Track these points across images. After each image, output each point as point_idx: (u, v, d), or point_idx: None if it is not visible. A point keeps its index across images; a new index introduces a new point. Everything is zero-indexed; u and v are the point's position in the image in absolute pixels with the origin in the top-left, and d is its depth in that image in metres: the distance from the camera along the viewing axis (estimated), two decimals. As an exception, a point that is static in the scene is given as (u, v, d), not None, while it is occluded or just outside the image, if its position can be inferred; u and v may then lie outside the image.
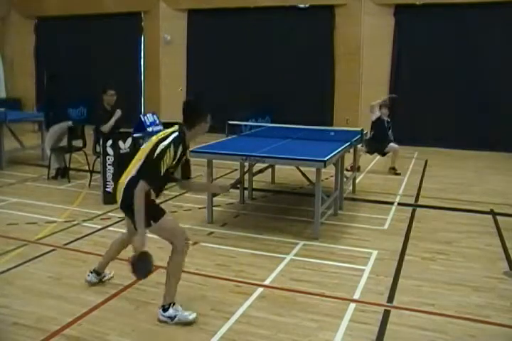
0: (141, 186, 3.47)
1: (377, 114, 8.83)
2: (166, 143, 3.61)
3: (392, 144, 8.86)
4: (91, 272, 4.24)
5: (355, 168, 8.01)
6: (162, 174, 3.54)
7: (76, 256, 4.87)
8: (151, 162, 3.57)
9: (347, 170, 8.52)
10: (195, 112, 3.78)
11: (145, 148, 3.73)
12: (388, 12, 12.19)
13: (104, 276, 4.32)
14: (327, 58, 12.76)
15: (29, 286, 4.19)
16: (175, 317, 3.62)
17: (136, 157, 3.76)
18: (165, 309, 3.65)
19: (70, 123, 8.32)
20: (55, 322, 3.59)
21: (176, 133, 3.70)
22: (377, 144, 8.80)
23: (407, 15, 12.06)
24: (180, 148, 3.65)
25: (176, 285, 3.72)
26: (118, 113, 7.28)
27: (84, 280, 4.22)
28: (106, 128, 7.12)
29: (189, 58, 14.19)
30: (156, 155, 3.56)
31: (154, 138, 3.75)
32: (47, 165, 8.19)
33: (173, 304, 3.68)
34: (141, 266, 3.63)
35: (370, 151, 8.93)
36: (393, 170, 8.94)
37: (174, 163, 3.62)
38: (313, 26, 12.76)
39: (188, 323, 3.61)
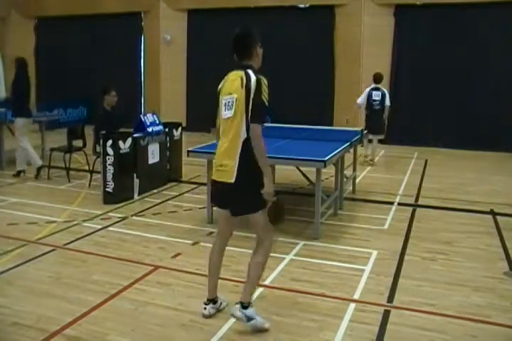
0: (257, 130, 3.38)
1: (367, 89, 9.75)
2: (253, 79, 3.44)
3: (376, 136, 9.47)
4: (206, 304, 3.69)
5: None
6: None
7: (76, 256, 4.87)
8: (257, 103, 3.43)
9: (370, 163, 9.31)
10: (249, 40, 3.63)
11: (230, 112, 3.47)
12: (388, 12, 12.19)
13: (221, 303, 3.78)
14: (327, 58, 12.76)
15: (29, 286, 4.19)
16: (252, 319, 3.46)
17: (225, 129, 3.53)
18: (245, 307, 3.46)
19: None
20: (55, 322, 3.59)
21: (248, 71, 3.50)
22: (370, 121, 9.43)
23: (407, 15, 12.06)
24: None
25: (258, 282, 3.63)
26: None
27: (202, 315, 3.66)
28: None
29: (189, 58, 14.20)
30: (254, 93, 3.42)
31: (236, 88, 3.47)
32: (47, 165, 8.20)
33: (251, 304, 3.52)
34: (279, 212, 3.68)
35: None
36: (370, 162, 9.55)
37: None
38: (313, 26, 12.76)
39: (262, 330, 3.47)
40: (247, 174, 3.40)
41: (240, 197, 3.44)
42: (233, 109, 3.47)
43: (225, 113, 3.54)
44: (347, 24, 12.45)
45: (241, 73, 3.50)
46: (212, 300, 3.73)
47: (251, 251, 4.97)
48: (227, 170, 3.46)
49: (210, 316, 3.67)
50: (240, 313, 3.48)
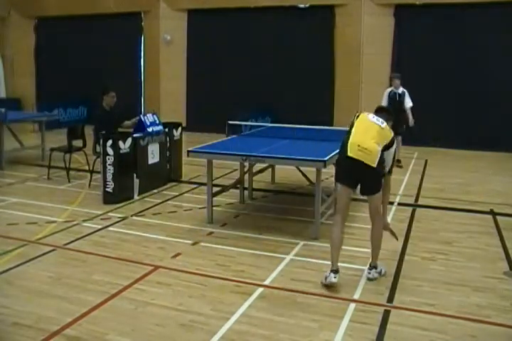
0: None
1: (388, 90, 9.55)
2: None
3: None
4: (333, 272, 4.20)
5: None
6: None
7: (76, 256, 4.87)
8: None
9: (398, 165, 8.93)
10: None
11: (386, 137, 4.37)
12: (388, 12, 12.18)
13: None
14: (327, 58, 12.75)
15: (29, 286, 4.19)
16: (381, 271, 4.45)
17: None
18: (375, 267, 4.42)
19: None
20: (55, 322, 3.59)
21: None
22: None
23: (407, 15, 12.04)
24: None
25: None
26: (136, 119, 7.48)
27: (331, 283, 4.17)
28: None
29: (189, 58, 14.19)
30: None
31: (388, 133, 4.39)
32: (47, 165, 8.20)
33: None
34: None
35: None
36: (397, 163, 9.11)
37: None
38: (313, 26, 12.75)
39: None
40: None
41: (374, 180, 4.34)
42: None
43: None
44: (347, 24, 12.43)
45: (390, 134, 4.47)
46: (336, 271, 4.24)
47: (251, 251, 5.02)
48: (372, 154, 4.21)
49: (335, 283, 4.19)
50: (375, 274, 4.41)
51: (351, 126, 4.39)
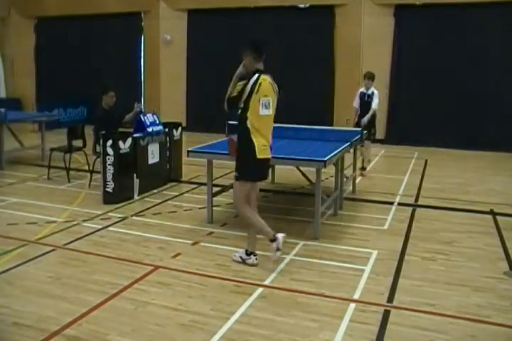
0: None
1: (359, 90, 8.90)
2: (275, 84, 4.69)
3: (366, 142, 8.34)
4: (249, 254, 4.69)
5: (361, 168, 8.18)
6: None
7: (76, 256, 4.87)
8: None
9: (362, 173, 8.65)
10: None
11: (272, 110, 4.55)
12: (388, 12, 12.19)
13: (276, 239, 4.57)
14: (327, 58, 12.76)
15: (29, 286, 4.19)
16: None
17: (270, 120, 4.60)
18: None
19: None
20: (55, 322, 3.59)
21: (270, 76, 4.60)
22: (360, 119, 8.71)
23: (407, 15, 12.05)
24: None
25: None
26: (137, 108, 7.50)
27: (250, 264, 4.66)
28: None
29: (189, 58, 14.19)
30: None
31: (271, 92, 4.54)
32: (47, 165, 8.20)
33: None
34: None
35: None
36: (361, 170, 8.74)
37: None
38: (313, 26, 12.75)
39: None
40: None
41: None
42: (270, 109, 4.51)
43: (263, 111, 4.47)
44: (347, 24, 12.44)
45: (271, 79, 4.54)
46: (271, 239, 4.58)
47: (251, 251, 5.02)
48: (269, 149, 4.58)
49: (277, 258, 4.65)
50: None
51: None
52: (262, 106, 4.41)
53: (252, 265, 4.66)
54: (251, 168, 4.53)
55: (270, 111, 4.50)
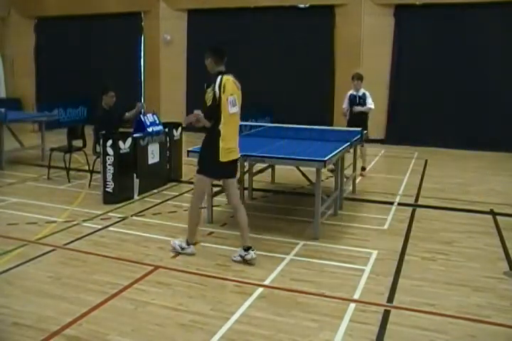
0: None
1: (349, 92, 8.62)
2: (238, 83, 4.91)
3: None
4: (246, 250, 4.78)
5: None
6: None
7: (76, 256, 4.87)
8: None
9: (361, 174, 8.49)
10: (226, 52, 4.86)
11: (237, 108, 4.79)
12: (388, 12, 12.19)
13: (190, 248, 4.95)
14: (327, 58, 12.75)
15: (29, 286, 4.19)
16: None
17: (236, 119, 4.82)
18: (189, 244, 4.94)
19: None
20: (55, 322, 3.59)
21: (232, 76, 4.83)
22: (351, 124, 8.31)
23: (407, 15, 12.05)
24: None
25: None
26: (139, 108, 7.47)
27: (250, 260, 4.74)
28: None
29: (189, 58, 14.19)
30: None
31: (236, 90, 4.81)
32: (47, 165, 8.20)
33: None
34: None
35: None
36: (362, 171, 8.56)
37: None
38: (313, 26, 12.75)
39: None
40: None
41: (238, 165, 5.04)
42: (237, 106, 4.75)
43: (232, 109, 4.69)
44: (347, 24, 12.44)
45: (233, 78, 4.78)
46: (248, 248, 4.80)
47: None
48: (237, 150, 4.84)
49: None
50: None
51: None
52: (230, 105, 4.65)
53: (252, 259, 4.69)
54: (212, 167, 4.77)
55: (237, 108, 4.75)
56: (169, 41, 14.11)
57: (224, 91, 4.60)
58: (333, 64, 12.77)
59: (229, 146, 4.69)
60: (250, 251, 4.72)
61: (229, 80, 4.68)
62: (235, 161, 4.86)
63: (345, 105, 8.65)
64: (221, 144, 4.64)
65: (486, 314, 3.79)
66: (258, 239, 5.41)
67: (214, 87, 4.59)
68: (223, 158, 4.67)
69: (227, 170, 4.84)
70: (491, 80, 11.41)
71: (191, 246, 4.93)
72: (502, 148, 11.20)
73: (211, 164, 4.74)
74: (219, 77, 4.64)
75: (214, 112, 4.61)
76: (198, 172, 4.86)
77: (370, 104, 8.42)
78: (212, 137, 4.67)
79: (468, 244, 5.35)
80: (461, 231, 5.80)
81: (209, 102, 4.59)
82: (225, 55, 4.79)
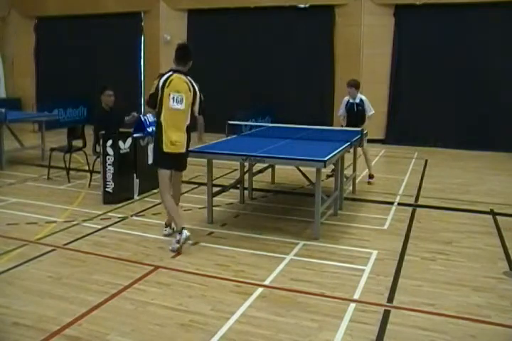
0: (202, 119, 5.47)
1: (345, 99, 8.22)
2: (197, 86, 5.16)
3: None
4: (166, 227, 5.49)
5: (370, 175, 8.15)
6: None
7: (76, 256, 4.87)
8: (201, 102, 5.19)
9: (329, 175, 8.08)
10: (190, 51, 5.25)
11: (182, 105, 5.04)
12: (388, 12, 12.19)
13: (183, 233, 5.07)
14: (327, 58, 12.75)
15: (29, 286, 4.19)
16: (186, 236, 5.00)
17: (179, 117, 5.05)
18: (180, 232, 4.99)
19: None
20: (55, 322, 3.59)
21: (189, 77, 5.12)
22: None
23: (407, 15, 12.05)
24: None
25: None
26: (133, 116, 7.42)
27: (163, 235, 5.43)
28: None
29: (189, 58, 14.18)
30: (200, 97, 5.16)
31: (186, 92, 5.05)
32: (47, 165, 8.20)
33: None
34: None
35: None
36: (370, 179, 8.13)
37: None
38: (313, 26, 12.76)
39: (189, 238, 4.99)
40: (186, 146, 5.21)
41: (185, 160, 5.34)
42: (183, 104, 5.03)
43: (174, 105, 5.01)
44: (347, 24, 12.44)
45: (186, 78, 5.08)
46: (170, 225, 5.47)
47: (251, 251, 5.03)
48: (181, 145, 5.10)
49: (168, 235, 5.40)
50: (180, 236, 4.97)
51: None
52: (173, 101, 4.98)
53: (188, 239, 4.92)
54: (159, 158, 5.15)
55: (183, 106, 5.02)
56: (169, 41, 14.10)
57: (167, 86, 4.96)
58: (333, 64, 12.77)
59: (171, 139, 4.99)
60: (184, 231, 4.92)
61: (179, 79, 5.02)
62: (180, 155, 5.15)
63: (341, 112, 8.24)
64: (163, 136, 4.99)
65: (486, 314, 3.79)
66: (258, 239, 5.41)
67: (160, 79, 5.01)
68: (166, 148, 5.01)
69: (173, 161, 5.15)
70: (491, 80, 11.41)
71: (184, 231, 4.92)
72: (502, 148, 11.20)
73: (157, 154, 5.15)
74: (168, 73, 5.04)
75: (153, 101, 5.03)
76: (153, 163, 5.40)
77: (369, 111, 8.06)
78: (157, 129, 5.11)
79: (468, 244, 5.35)
80: (461, 231, 5.80)
81: (153, 90, 5.03)
82: (184, 56, 5.12)
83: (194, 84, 5.13)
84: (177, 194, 5.49)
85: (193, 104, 5.14)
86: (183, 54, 5.13)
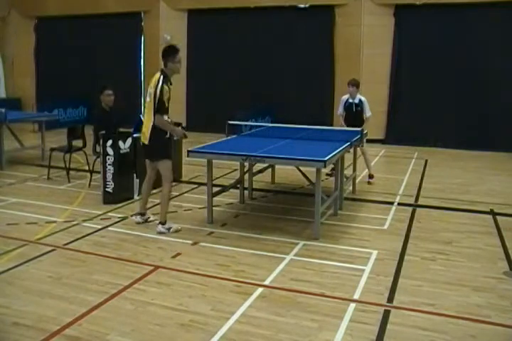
0: (159, 117, 5.33)
1: (343, 98, 8.22)
2: (159, 84, 5.29)
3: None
4: (136, 215, 5.89)
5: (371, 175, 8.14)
6: (167, 106, 5.37)
7: (76, 256, 4.87)
8: (159, 101, 5.28)
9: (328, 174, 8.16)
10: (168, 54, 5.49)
11: (149, 99, 5.39)
12: (388, 12, 12.19)
13: (149, 218, 5.87)
14: (327, 58, 12.75)
15: (29, 286, 4.19)
16: (170, 228, 5.54)
17: (147, 110, 5.42)
18: (162, 223, 5.54)
19: None
20: (55, 322, 3.59)
21: (162, 76, 5.36)
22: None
23: (407, 15, 12.05)
24: (169, 83, 5.40)
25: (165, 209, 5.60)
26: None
27: (134, 222, 5.81)
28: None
29: (189, 58, 14.18)
30: (159, 95, 5.27)
31: (152, 88, 5.35)
32: (47, 165, 8.20)
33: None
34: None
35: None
36: (369, 179, 8.11)
37: (169, 95, 5.38)
38: (313, 26, 12.76)
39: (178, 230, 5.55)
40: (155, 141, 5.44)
41: (153, 151, 5.53)
42: (149, 99, 5.39)
43: (146, 98, 5.49)
44: (347, 24, 12.44)
45: (158, 75, 5.39)
46: (141, 213, 5.87)
47: (251, 251, 5.03)
48: (144, 135, 5.47)
49: (138, 222, 5.83)
50: (161, 228, 5.51)
51: None
52: (147, 94, 5.49)
53: (178, 228, 5.57)
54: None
55: (148, 99, 5.44)
56: (169, 41, 14.07)
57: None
58: (333, 64, 12.77)
59: (142, 130, 5.51)
60: (170, 224, 5.52)
61: (153, 75, 5.45)
62: (145, 145, 5.54)
63: (340, 111, 8.23)
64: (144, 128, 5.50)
65: (486, 314, 3.79)
66: (258, 238, 5.41)
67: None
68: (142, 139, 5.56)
69: (144, 151, 5.69)
70: (491, 80, 11.42)
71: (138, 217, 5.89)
72: (502, 148, 11.20)
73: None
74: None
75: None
76: None
77: (367, 113, 7.99)
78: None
79: (468, 244, 5.36)
80: (461, 231, 5.80)
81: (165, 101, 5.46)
82: (162, 56, 5.51)
83: (161, 81, 5.31)
84: (149, 187, 5.90)
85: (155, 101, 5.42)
86: (162, 54, 5.53)
